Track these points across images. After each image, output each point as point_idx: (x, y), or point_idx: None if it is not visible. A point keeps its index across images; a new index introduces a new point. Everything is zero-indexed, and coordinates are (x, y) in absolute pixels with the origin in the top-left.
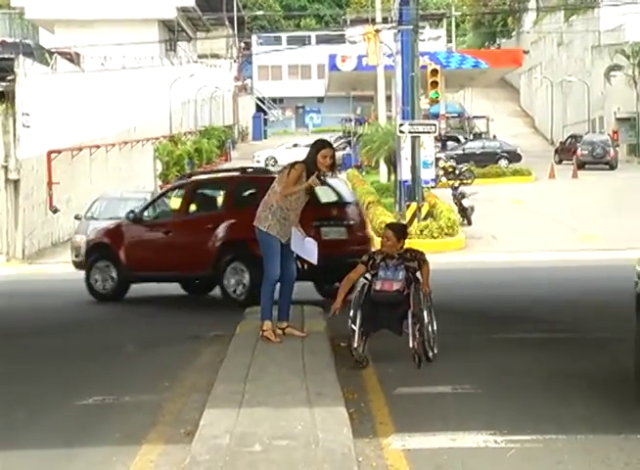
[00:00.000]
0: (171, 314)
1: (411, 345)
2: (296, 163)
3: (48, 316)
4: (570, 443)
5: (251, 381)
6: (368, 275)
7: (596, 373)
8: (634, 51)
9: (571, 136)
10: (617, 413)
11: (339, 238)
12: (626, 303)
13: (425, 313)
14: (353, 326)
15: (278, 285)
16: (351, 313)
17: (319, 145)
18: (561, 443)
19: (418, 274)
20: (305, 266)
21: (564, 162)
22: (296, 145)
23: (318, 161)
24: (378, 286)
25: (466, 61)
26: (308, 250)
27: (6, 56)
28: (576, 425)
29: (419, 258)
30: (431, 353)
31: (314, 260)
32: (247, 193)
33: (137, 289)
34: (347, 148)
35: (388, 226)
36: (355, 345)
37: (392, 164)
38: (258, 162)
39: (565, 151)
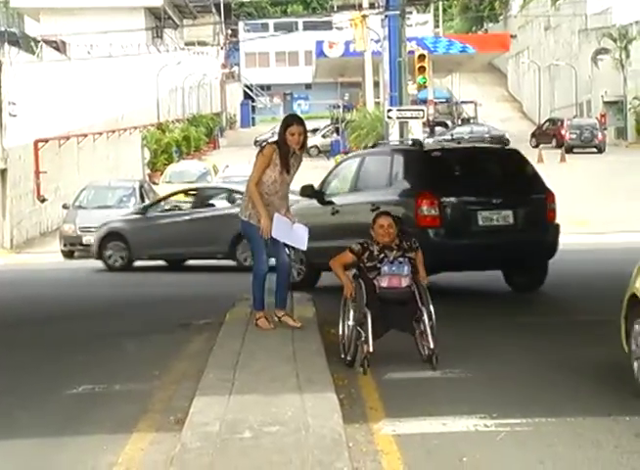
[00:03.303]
0: (161, 303)
1: (432, 345)
2: (264, 146)
3: (35, 306)
4: (559, 425)
5: (241, 368)
6: (357, 269)
7: (587, 356)
8: (621, 34)
9: (548, 120)
10: (606, 396)
11: None
12: (617, 285)
13: (432, 309)
14: (360, 329)
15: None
16: (352, 315)
17: (287, 122)
18: (551, 426)
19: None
20: None
21: (541, 145)
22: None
23: (287, 139)
24: (385, 283)
25: (453, 46)
26: (296, 236)
27: None
28: (566, 408)
29: (415, 246)
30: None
31: (303, 247)
32: None
33: (126, 278)
34: (336, 134)
35: (385, 213)
36: (372, 349)
37: None
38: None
39: (542, 134)
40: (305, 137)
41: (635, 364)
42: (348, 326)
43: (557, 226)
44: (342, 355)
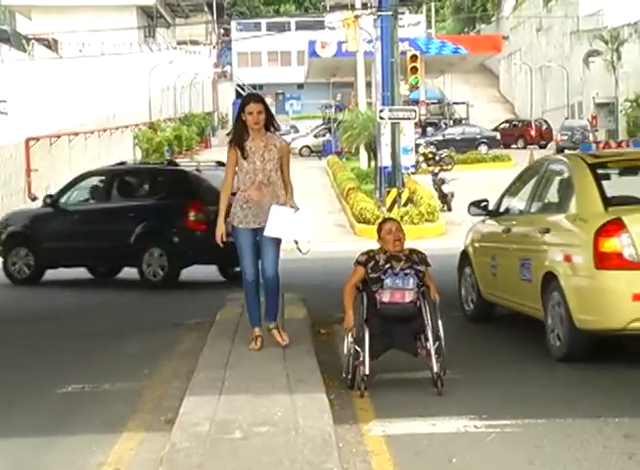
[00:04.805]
0: (152, 302)
1: (436, 369)
2: None
3: (28, 304)
4: (549, 426)
5: (232, 368)
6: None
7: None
8: (612, 36)
9: (506, 121)
10: (596, 397)
11: None
12: None
13: (440, 327)
14: (357, 347)
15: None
16: (352, 332)
17: (243, 101)
18: (540, 427)
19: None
20: None
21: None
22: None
23: (247, 121)
24: (386, 297)
25: (445, 46)
26: (298, 226)
27: None
28: (556, 409)
29: (425, 260)
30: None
31: (307, 238)
32: None
33: (119, 275)
34: (328, 134)
35: (390, 218)
36: (367, 371)
37: (373, 150)
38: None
39: (501, 136)
40: (268, 116)
41: (464, 299)
42: (348, 344)
43: None
44: (344, 375)
